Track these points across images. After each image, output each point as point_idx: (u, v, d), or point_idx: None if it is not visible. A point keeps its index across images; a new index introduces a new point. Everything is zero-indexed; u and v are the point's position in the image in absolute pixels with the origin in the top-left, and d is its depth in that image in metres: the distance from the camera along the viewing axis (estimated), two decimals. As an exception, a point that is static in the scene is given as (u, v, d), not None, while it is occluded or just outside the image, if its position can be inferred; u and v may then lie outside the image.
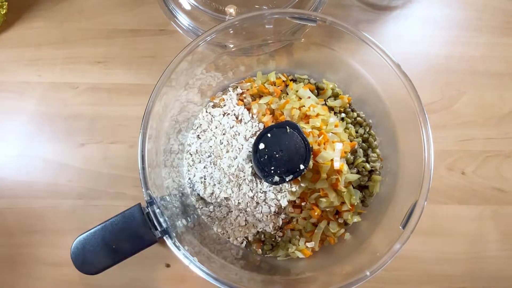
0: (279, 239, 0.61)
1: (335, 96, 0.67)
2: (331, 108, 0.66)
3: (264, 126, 0.62)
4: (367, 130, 0.65)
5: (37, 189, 0.66)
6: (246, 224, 0.60)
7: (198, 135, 0.64)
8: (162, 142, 0.58)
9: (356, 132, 0.65)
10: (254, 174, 0.59)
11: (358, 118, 0.66)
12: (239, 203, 0.59)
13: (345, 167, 0.58)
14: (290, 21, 0.57)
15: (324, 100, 0.66)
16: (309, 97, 0.63)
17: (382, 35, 0.75)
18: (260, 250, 0.61)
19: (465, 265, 0.65)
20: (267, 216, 0.60)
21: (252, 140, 0.60)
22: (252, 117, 0.64)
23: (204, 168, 0.61)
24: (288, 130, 0.55)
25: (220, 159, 0.60)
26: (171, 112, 0.59)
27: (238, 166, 0.59)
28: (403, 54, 0.73)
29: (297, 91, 0.64)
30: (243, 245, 0.61)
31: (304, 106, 0.61)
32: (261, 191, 0.59)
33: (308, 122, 0.60)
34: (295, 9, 0.63)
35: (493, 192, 0.68)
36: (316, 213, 0.58)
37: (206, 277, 0.47)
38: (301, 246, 0.60)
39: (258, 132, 0.60)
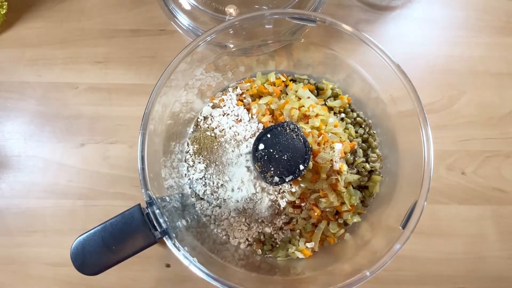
0: (279, 239, 0.61)
1: (335, 96, 0.67)
2: (330, 108, 0.66)
3: (263, 126, 0.62)
4: (367, 130, 0.65)
5: (37, 189, 0.67)
6: (246, 225, 0.60)
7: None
8: (161, 142, 0.58)
9: (356, 132, 0.65)
10: (253, 174, 0.59)
11: (358, 118, 0.66)
12: (238, 203, 0.59)
13: (345, 168, 0.58)
14: (290, 21, 0.57)
15: (324, 100, 0.66)
16: (309, 97, 0.63)
17: (382, 35, 0.75)
18: (260, 250, 0.61)
19: (465, 265, 0.65)
20: (267, 216, 0.60)
21: (252, 141, 0.60)
22: (252, 117, 0.64)
23: (203, 168, 0.61)
24: (288, 131, 0.55)
25: (219, 159, 0.60)
26: (171, 112, 0.59)
27: (237, 166, 0.59)
28: (403, 54, 0.73)
29: (296, 91, 0.64)
30: (243, 245, 0.61)
31: (303, 106, 0.61)
32: (261, 192, 0.59)
33: (307, 123, 0.60)
34: (295, 9, 0.63)
35: (493, 192, 0.68)
36: (316, 214, 0.58)
37: (206, 277, 0.47)
38: (301, 246, 0.60)
39: (258, 132, 0.60)
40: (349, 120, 0.65)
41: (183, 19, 0.64)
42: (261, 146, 0.55)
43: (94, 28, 0.74)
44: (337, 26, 0.56)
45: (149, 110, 0.51)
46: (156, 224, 0.47)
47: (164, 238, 0.47)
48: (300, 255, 0.60)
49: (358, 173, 0.62)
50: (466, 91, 0.72)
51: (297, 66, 0.69)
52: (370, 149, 0.64)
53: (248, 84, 0.67)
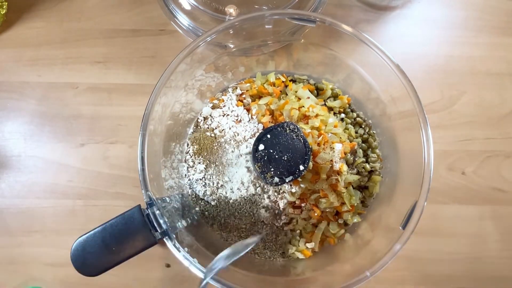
0: (279, 240, 0.61)
1: (335, 96, 0.67)
2: (330, 109, 0.66)
3: (263, 126, 0.62)
4: (367, 131, 0.65)
5: (37, 189, 0.67)
6: (245, 225, 0.60)
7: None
8: (161, 143, 0.58)
9: (356, 132, 0.65)
10: (253, 175, 0.59)
11: (358, 119, 0.66)
12: (238, 204, 0.59)
13: (345, 168, 0.58)
14: (290, 21, 0.57)
15: (324, 101, 0.66)
16: (309, 98, 0.63)
17: (382, 35, 0.75)
18: (260, 250, 0.61)
19: (465, 265, 0.65)
20: (267, 217, 0.60)
21: (252, 141, 0.60)
22: (252, 117, 0.64)
23: (203, 169, 0.61)
24: (288, 131, 0.55)
25: (219, 160, 0.60)
26: (171, 113, 0.59)
27: (237, 167, 0.59)
28: (403, 54, 0.73)
29: (296, 92, 0.64)
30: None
31: (303, 106, 0.61)
32: (261, 192, 0.59)
33: (307, 123, 0.60)
34: (295, 9, 0.63)
35: (493, 192, 0.68)
36: (316, 214, 0.58)
37: (206, 278, 0.47)
38: (301, 246, 0.60)
39: (258, 133, 0.60)
40: (349, 121, 0.65)
41: (183, 19, 0.64)
42: (261, 147, 0.55)
43: (94, 28, 0.74)
44: (337, 27, 0.56)
45: (149, 110, 0.51)
46: (156, 225, 0.47)
47: (164, 239, 0.47)
48: (301, 256, 0.60)
49: (358, 173, 0.62)
50: (466, 91, 0.72)
51: (296, 67, 0.69)
52: (370, 149, 0.64)
53: (248, 84, 0.67)
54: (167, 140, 0.60)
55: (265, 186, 0.59)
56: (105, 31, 0.74)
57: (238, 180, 0.59)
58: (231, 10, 0.66)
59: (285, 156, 0.54)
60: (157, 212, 0.48)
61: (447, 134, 0.70)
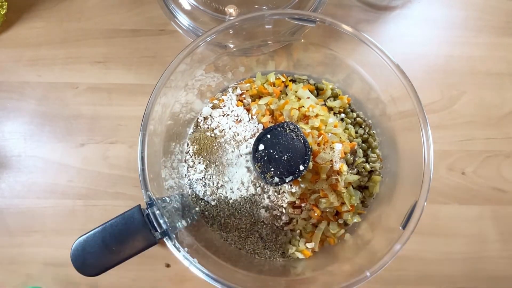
0: (279, 240, 0.61)
1: (335, 96, 0.67)
2: (330, 109, 0.66)
3: (263, 126, 0.62)
4: (367, 131, 0.65)
5: (37, 189, 0.67)
6: (245, 225, 0.60)
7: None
8: (161, 143, 0.58)
9: (356, 132, 0.65)
10: (253, 175, 0.59)
11: (358, 119, 0.66)
12: (238, 204, 0.59)
13: (345, 168, 0.58)
14: (290, 21, 0.57)
15: (324, 101, 0.66)
16: (309, 98, 0.63)
17: (382, 35, 0.75)
18: (260, 250, 0.61)
19: (465, 265, 0.65)
20: (267, 217, 0.60)
21: (252, 141, 0.60)
22: (252, 117, 0.63)
23: (203, 169, 0.61)
24: (288, 131, 0.55)
25: (219, 160, 0.60)
26: (171, 113, 0.59)
27: (237, 167, 0.59)
28: (403, 54, 0.73)
29: (296, 92, 0.64)
30: (243, 245, 0.61)
31: (303, 106, 0.61)
32: (261, 192, 0.59)
33: (307, 123, 0.60)
34: (295, 9, 0.63)
35: (493, 192, 0.68)
36: (316, 214, 0.58)
37: (206, 278, 0.47)
38: (301, 246, 0.60)
39: (258, 133, 0.60)
40: (349, 121, 0.65)
41: (183, 19, 0.64)
42: (261, 147, 0.55)
43: (94, 28, 0.74)
44: (336, 27, 0.55)
45: (149, 110, 0.51)
46: (156, 225, 0.47)
47: (164, 239, 0.47)
48: (301, 256, 0.60)
49: (358, 173, 0.62)
50: (466, 91, 0.72)
51: (296, 67, 0.69)
52: (370, 149, 0.64)
53: (248, 84, 0.67)
54: (167, 140, 0.60)
55: (265, 186, 0.59)
56: (105, 31, 0.74)
57: (238, 180, 0.59)
58: (231, 10, 0.66)
59: (285, 156, 0.54)
60: (157, 212, 0.48)
61: (447, 134, 0.70)
